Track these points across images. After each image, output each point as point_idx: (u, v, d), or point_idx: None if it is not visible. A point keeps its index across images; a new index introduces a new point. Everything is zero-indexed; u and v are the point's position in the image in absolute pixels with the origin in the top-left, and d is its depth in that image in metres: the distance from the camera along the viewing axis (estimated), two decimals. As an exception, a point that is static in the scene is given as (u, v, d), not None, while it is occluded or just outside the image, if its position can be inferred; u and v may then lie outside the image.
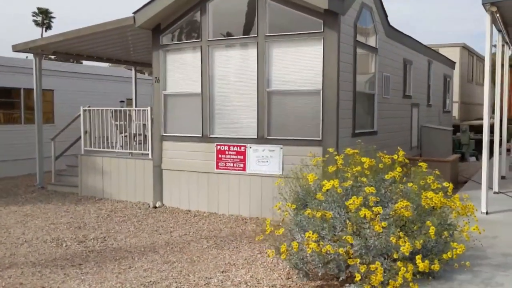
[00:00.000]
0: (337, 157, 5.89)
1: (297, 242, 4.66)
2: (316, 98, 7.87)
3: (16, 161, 14.25)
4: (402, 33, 11.03)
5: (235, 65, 8.59)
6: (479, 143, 12.61)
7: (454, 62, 17.87)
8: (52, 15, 52.21)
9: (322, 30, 7.73)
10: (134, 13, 8.96)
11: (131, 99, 19.17)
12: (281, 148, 8.15)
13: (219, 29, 8.71)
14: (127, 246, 6.62)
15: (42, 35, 50.34)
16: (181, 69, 9.21)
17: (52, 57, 17.16)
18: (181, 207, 9.21)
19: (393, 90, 10.59)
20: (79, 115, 11.65)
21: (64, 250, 6.45)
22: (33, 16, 51.65)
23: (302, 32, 7.90)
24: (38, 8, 51.50)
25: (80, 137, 12.04)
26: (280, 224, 5.12)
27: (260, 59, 8.21)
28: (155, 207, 9.30)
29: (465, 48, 21.66)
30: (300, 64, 8.01)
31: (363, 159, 5.39)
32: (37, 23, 51.92)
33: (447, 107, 16.90)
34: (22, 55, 18.30)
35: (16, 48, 10.92)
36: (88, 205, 9.53)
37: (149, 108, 9.73)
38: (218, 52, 8.72)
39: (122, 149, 10.30)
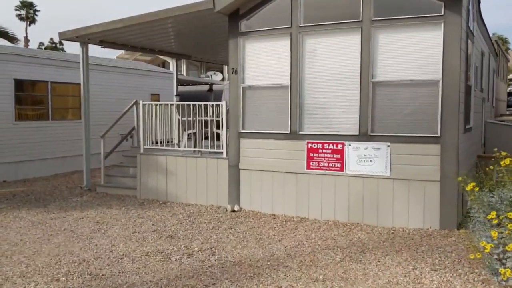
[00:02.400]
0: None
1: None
2: (433, 89, 7.05)
3: (45, 160, 13.25)
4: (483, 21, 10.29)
5: (331, 54, 7.72)
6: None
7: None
8: (36, 8, 50.17)
9: (443, 14, 6.90)
10: (213, -5, 8.03)
11: (157, 94, 18.37)
12: (389, 146, 7.31)
13: (311, 14, 7.82)
14: (247, 259, 5.72)
15: (26, 30, 48.32)
16: (263, 59, 8.31)
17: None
18: (263, 210, 8.33)
19: (475, 83, 9.84)
20: (128, 109, 10.74)
21: (177, 265, 5.53)
22: (16, 10, 49.50)
23: (417, 16, 7.06)
24: (22, 1, 49.32)
25: (129, 134, 11.17)
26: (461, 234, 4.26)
27: (365, 46, 7.36)
28: (233, 211, 8.40)
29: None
30: (412, 52, 7.17)
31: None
32: (20, 17, 49.76)
33: (494, 102, 16.26)
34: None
35: (64, 36, 9.91)
36: (156, 209, 8.59)
37: (224, 103, 8.81)
38: (311, 39, 7.85)
39: (186, 147, 9.36)
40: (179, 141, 9.74)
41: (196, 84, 22.46)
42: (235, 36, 8.41)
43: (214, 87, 22.75)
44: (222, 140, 8.94)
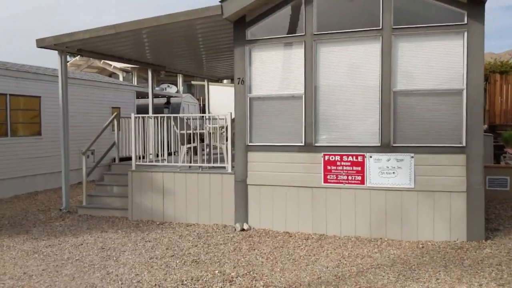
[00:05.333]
0: None
1: None
2: (457, 98, 6.95)
3: (2, 181, 12.04)
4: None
5: (348, 63, 7.45)
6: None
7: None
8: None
9: (466, 22, 6.84)
10: (222, 1, 7.55)
11: (118, 108, 17.39)
12: (412, 157, 7.11)
13: (326, 22, 7.53)
14: (297, 284, 5.24)
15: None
16: (273, 67, 7.91)
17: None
18: (275, 228, 7.86)
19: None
20: (109, 123, 9.95)
21: (228, 295, 4.95)
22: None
23: (439, 24, 6.95)
24: None
25: (109, 149, 10.36)
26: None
27: (385, 55, 7.16)
28: (243, 230, 7.86)
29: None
30: (434, 60, 7.05)
31: None
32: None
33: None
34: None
35: (43, 43, 8.98)
36: (157, 231, 7.88)
37: (228, 114, 8.29)
38: (326, 48, 7.55)
39: (186, 162, 8.72)
40: (168, 155, 9.06)
41: (159, 97, 21.61)
42: (242, 44, 7.96)
43: (172, 100, 22.03)
44: (225, 154, 8.40)
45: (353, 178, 7.40)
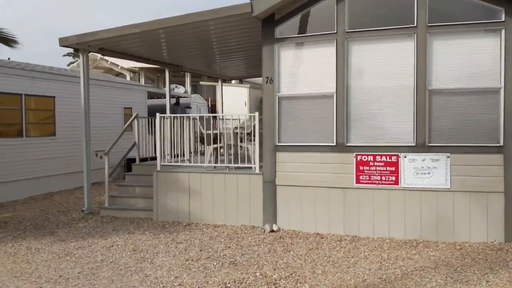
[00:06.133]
0: None
1: None
2: (494, 97, 6.84)
3: (17, 182, 11.91)
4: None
5: (381, 61, 7.33)
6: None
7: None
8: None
9: (503, 20, 6.72)
10: (252, -2, 7.44)
11: (130, 108, 17.27)
12: (448, 157, 6.99)
13: (358, 19, 7.40)
14: (343, 287, 5.10)
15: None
16: (302, 66, 7.78)
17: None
18: (304, 230, 7.73)
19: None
20: (129, 124, 9.82)
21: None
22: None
23: (475, 22, 6.83)
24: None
25: (130, 149, 10.25)
26: None
27: (420, 53, 7.04)
28: (272, 231, 7.73)
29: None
30: (470, 59, 6.93)
31: None
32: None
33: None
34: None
35: (66, 42, 8.86)
36: (185, 232, 7.75)
37: (256, 114, 8.16)
38: (359, 46, 7.42)
39: (212, 163, 8.60)
40: (189, 155, 8.94)
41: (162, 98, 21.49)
42: (270, 42, 7.83)
43: (181, 100, 21.92)
44: (252, 155, 8.27)
45: (386, 179, 7.27)
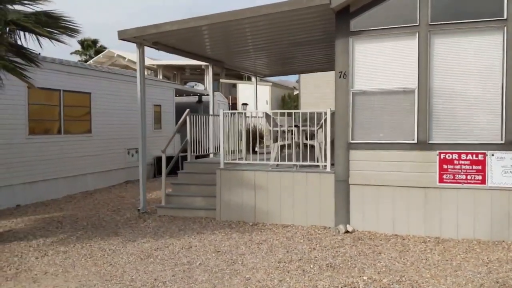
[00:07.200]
0: None
1: None
2: None
3: (56, 180, 11.60)
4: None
5: (466, 55, 7.03)
6: None
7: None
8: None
9: None
10: (330, -11, 7.14)
11: (159, 105, 16.98)
12: (539, 155, 6.70)
13: (441, 12, 7.10)
14: (467, 292, 4.82)
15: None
16: (379, 61, 7.48)
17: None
18: (381, 230, 7.44)
19: None
20: (183, 121, 9.52)
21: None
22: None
23: None
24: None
25: (184, 145, 9.96)
26: None
27: (510, 47, 6.74)
28: (347, 232, 7.44)
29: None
30: None
31: None
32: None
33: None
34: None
35: (124, 35, 8.55)
36: (257, 232, 7.46)
37: (328, 110, 7.86)
38: (443, 39, 7.13)
39: (279, 161, 8.30)
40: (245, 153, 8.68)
41: (190, 95, 21.20)
42: (345, 36, 7.53)
43: (203, 98, 21.59)
44: (320, 153, 7.97)
45: (472, 178, 6.98)
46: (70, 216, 9.10)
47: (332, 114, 7.84)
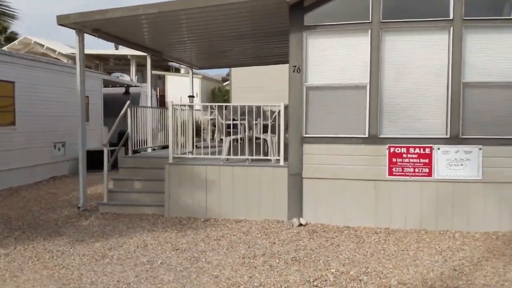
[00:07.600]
0: None
1: None
2: (525, 91, 7.06)
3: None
4: None
5: (415, 53, 7.32)
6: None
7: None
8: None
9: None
10: (286, -18, 7.11)
11: (87, 97, 16.13)
12: (480, 149, 7.15)
13: (392, 10, 7.33)
14: (431, 282, 5.01)
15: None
16: (332, 56, 7.58)
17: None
18: (333, 223, 7.58)
19: None
20: (123, 114, 9.11)
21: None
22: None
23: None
24: None
25: (125, 141, 9.52)
26: None
27: (456, 46, 7.12)
28: (301, 225, 7.50)
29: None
30: (505, 53, 7.10)
31: None
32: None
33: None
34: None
35: (66, 20, 7.96)
36: (212, 228, 7.31)
37: (282, 104, 7.85)
38: (393, 37, 7.36)
39: (232, 155, 8.17)
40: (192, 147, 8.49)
41: (116, 86, 20.33)
42: (299, 30, 7.55)
43: (131, 89, 20.85)
44: (275, 147, 7.96)
45: (420, 171, 7.30)
46: (0, 215, 8.36)
47: (286, 107, 7.83)
